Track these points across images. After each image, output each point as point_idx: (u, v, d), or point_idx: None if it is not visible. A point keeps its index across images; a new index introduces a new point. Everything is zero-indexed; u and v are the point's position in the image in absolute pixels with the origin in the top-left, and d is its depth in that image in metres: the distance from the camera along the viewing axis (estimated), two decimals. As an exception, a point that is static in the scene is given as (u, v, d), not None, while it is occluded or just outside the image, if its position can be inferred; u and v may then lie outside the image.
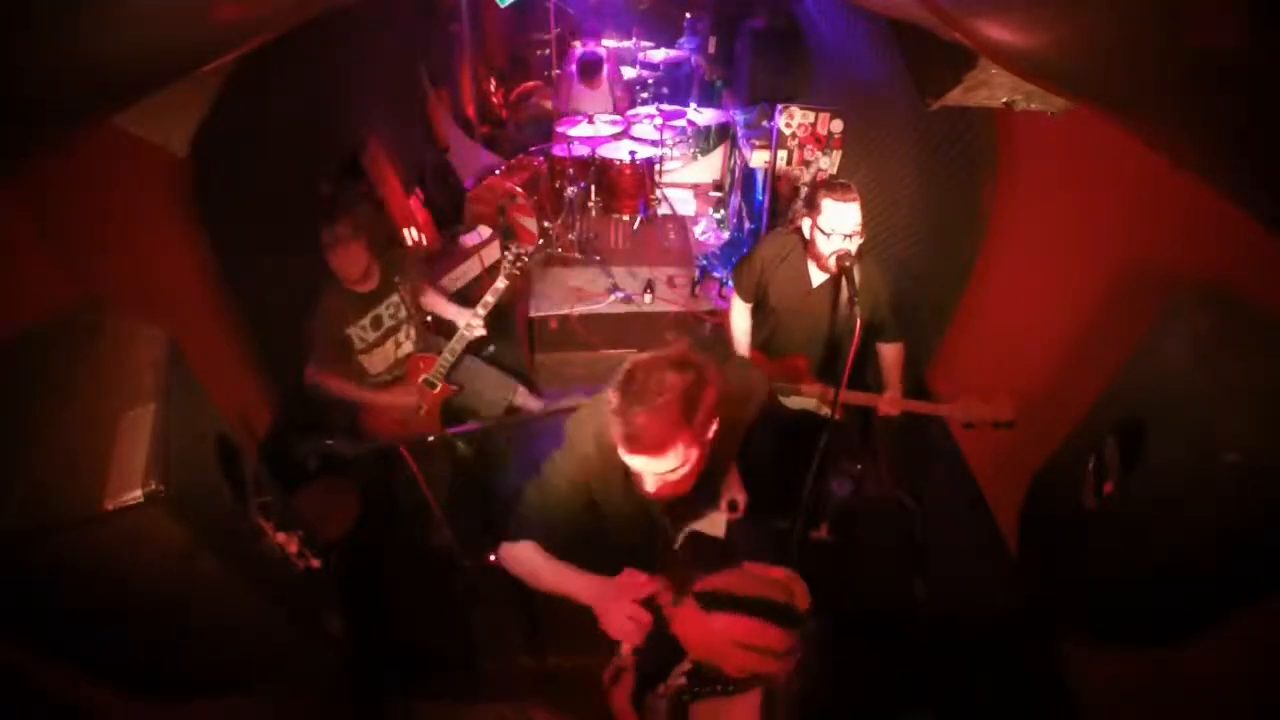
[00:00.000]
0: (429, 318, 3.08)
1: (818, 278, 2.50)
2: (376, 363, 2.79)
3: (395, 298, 2.79)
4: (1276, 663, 1.34)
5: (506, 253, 2.85)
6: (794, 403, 2.71)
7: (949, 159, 2.93)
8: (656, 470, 1.36)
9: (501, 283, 2.81)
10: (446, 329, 2.95)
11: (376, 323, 2.75)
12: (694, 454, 1.36)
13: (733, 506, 1.80)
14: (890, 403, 2.49)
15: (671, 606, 1.28)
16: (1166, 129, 1.01)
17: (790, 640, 1.16)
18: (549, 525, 1.55)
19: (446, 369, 2.84)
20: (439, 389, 2.85)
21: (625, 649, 1.34)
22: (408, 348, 2.85)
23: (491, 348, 3.43)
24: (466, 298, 3.58)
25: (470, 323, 2.82)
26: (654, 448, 1.31)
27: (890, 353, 2.60)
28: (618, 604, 1.31)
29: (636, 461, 1.35)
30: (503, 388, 3.11)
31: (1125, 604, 1.37)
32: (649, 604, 1.31)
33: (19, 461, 1.06)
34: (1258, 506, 1.07)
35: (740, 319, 2.74)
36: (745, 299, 2.68)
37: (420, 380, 2.81)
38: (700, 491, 1.57)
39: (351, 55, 3.66)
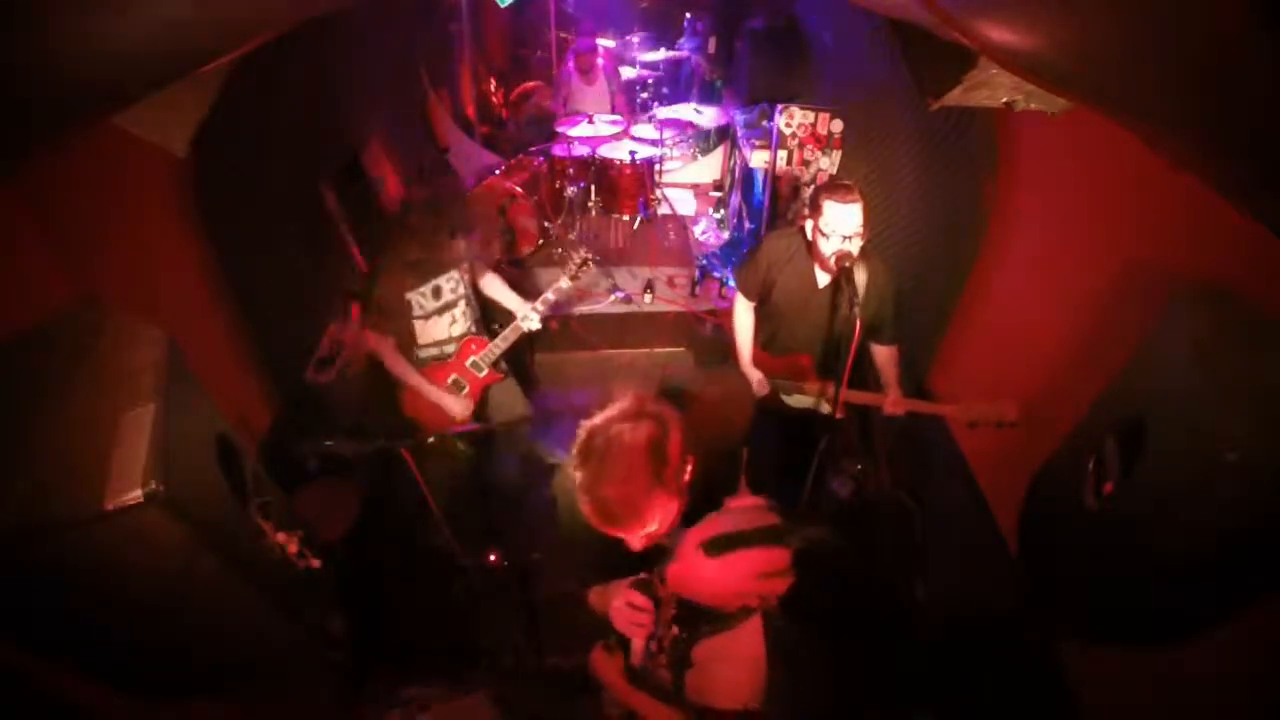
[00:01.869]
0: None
1: (822, 278, 2.49)
2: (428, 333, 2.76)
3: (455, 273, 2.75)
4: (1276, 663, 1.34)
5: (575, 254, 2.84)
6: (796, 401, 2.71)
7: (949, 159, 2.93)
8: (639, 534, 1.27)
9: (565, 282, 2.81)
10: (503, 317, 2.94)
11: (437, 292, 2.71)
12: (674, 507, 1.26)
13: None
14: (894, 403, 2.48)
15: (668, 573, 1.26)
16: (1166, 129, 1.00)
17: (788, 554, 1.21)
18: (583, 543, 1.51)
19: (496, 356, 2.84)
20: (485, 374, 2.85)
21: (637, 645, 1.34)
22: (462, 326, 2.82)
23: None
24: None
25: (528, 315, 2.80)
26: (631, 520, 1.21)
27: (885, 354, 2.59)
28: (616, 599, 1.33)
29: (616, 533, 1.27)
30: (519, 404, 3.11)
31: (1125, 604, 1.37)
32: (649, 589, 1.32)
33: (19, 461, 1.07)
34: (1258, 506, 1.07)
35: (744, 317, 2.73)
36: (749, 297, 2.67)
37: (467, 363, 2.82)
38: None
39: (351, 55, 3.66)
